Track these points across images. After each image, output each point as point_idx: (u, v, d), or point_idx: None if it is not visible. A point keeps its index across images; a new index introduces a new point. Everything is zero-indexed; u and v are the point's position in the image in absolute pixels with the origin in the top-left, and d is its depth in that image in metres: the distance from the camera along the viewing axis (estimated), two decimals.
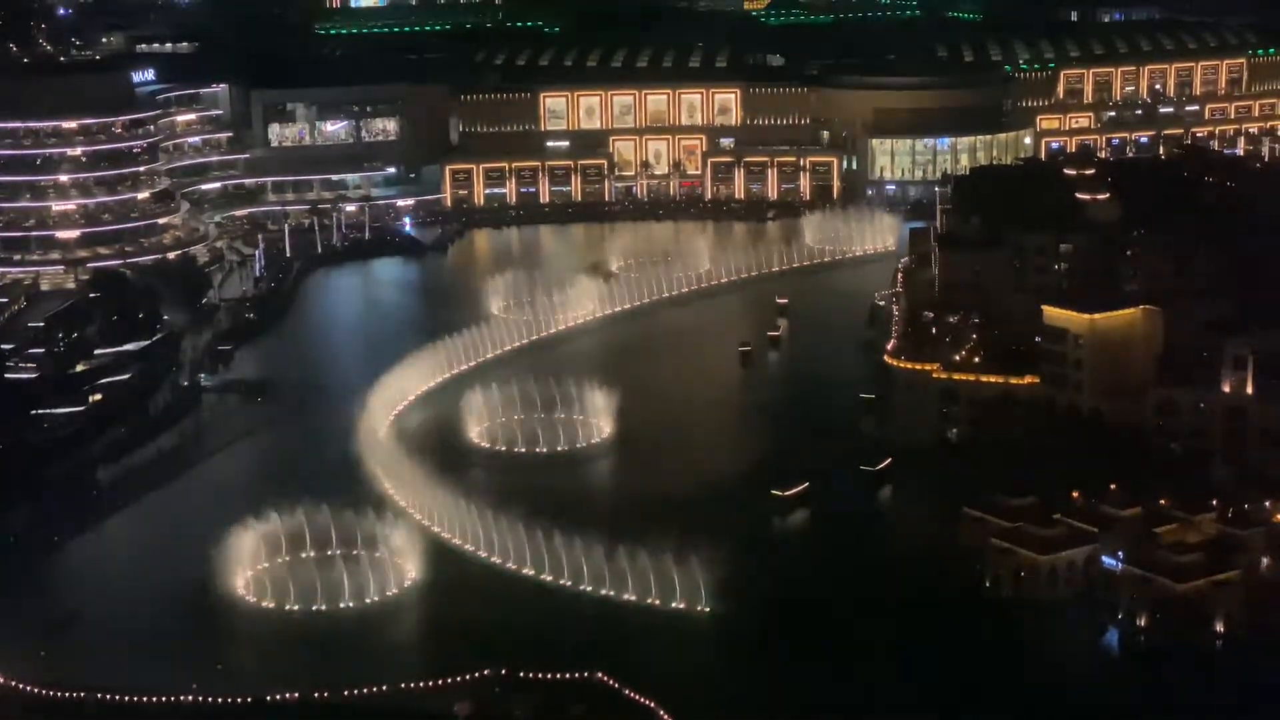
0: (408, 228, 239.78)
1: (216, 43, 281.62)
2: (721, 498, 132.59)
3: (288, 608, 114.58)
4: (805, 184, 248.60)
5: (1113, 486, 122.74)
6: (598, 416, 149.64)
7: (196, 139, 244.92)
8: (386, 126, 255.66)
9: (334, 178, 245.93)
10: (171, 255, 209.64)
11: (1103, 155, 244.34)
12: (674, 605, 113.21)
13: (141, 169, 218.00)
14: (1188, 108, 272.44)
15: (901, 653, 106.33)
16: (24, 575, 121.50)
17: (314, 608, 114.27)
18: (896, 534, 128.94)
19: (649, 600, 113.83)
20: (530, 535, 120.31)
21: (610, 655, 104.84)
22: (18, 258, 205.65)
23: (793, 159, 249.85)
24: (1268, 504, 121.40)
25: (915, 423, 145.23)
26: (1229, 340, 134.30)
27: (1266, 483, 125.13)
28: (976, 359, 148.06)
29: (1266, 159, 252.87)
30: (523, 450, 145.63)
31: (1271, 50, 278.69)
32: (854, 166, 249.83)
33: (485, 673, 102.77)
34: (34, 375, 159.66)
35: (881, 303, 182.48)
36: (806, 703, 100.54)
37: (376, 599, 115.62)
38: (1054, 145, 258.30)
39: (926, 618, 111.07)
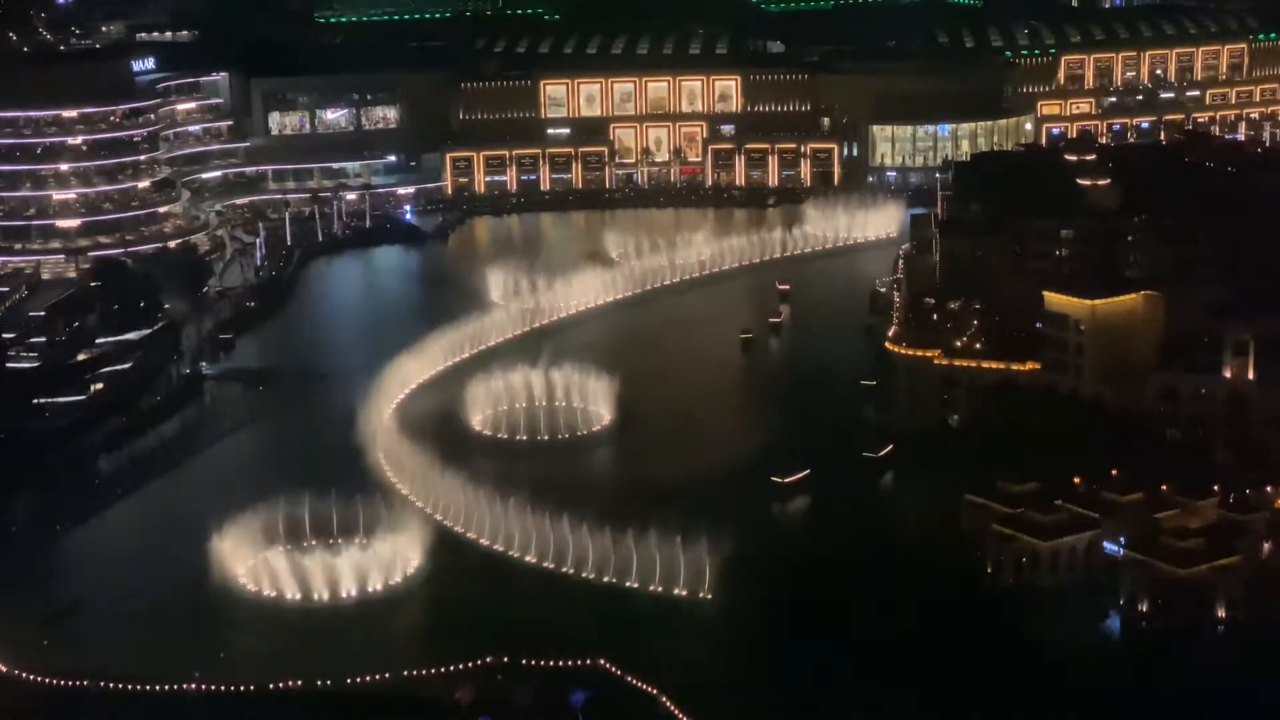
0: (408, 215, 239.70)
1: (216, 31, 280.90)
2: (723, 484, 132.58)
3: (290, 596, 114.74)
4: (806, 171, 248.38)
5: (1114, 472, 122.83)
6: (599, 403, 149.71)
7: (197, 127, 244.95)
8: (387, 114, 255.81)
9: (334, 166, 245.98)
10: (172, 244, 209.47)
11: (1103, 141, 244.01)
12: (676, 592, 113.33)
13: (142, 158, 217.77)
14: (1189, 93, 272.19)
15: (903, 638, 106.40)
16: (25, 564, 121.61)
17: (316, 596, 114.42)
18: (898, 520, 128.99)
19: (651, 587, 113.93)
20: (532, 522, 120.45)
21: (612, 642, 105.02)
22: (19, 246, 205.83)
23: (793, 146, 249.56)
24: (1269, 489, 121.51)
25: (916, 409, 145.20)
26: (1230, 325, 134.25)
27: (1268, 468, 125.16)
28: (978, 345, 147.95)
29: (1268, 144, 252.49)
30: (524, 437, 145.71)
31: (1273, 35, 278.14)
32: (855, 153, 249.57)
33: (487, 660, 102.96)
34: (35, 364, 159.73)
35: (882, 289, 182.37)
36: (808, 688, 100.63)
37: (379, 587, 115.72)
38: (1055, 131, 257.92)
39: (928, 604, 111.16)
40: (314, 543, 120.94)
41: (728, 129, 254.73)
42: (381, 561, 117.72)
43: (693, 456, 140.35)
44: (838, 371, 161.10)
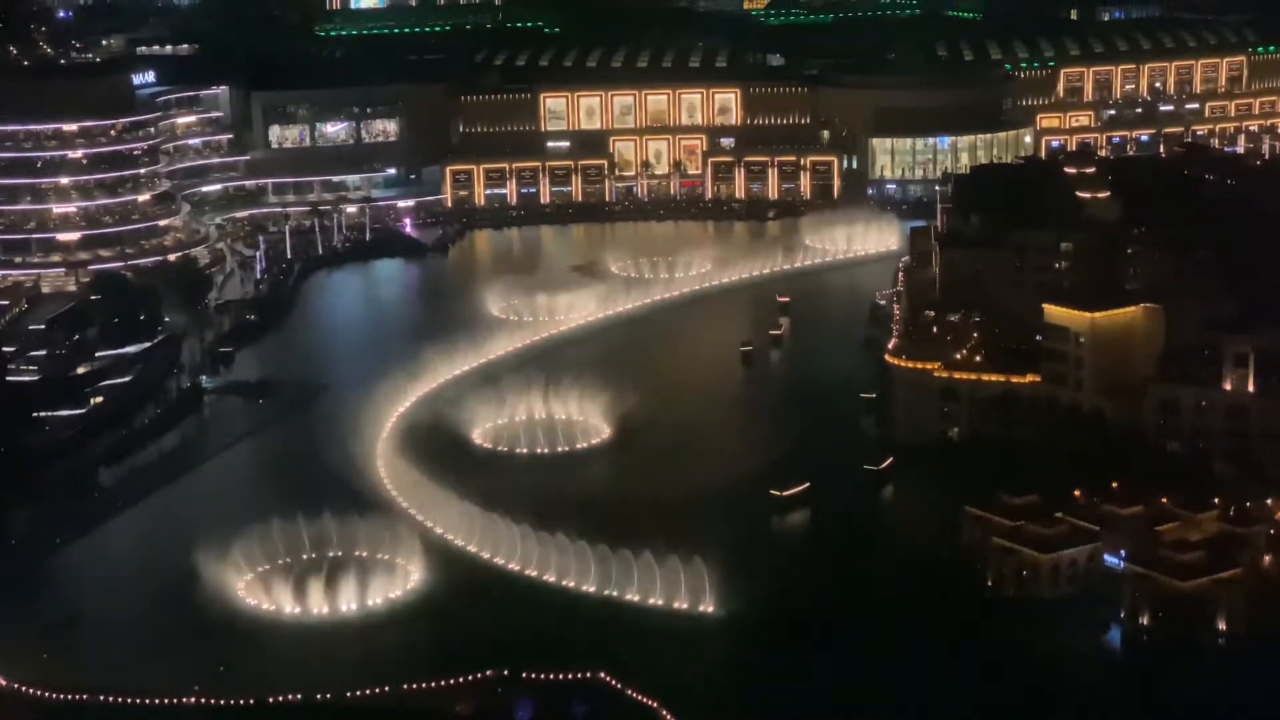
0: (408, 228, 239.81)
1: (216, 45, 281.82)
2: (724, 498, 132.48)
3: (290, 610, 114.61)
4: (806, 184, 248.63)
5: (1114, 485, 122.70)
6: (599, 417, 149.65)
7: (197, 141, 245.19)
8: (387, 127, 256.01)
9: (334, 179, 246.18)
10: (172, 257, 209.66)
11: (1103, 153, 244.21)
12: (676, 606, 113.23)
13: (142, 171, 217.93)
14: (1188, 106, 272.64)
15: (903, 652, 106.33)
16: (25, 577, 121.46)
17: (316, 610, 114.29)
18: (898, 533, 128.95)
19: (651, 601, 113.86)
20: (532, 536, 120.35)
21: (613, 656, 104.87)
22: (19, 260, 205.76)
23: (793, 158, 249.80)
24: (1269, 501, 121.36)
25: (916, 422, 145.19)
26: (1230, 338, 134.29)
27: (1268, 480, 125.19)
28: (977, 358, 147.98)
29: (1267, 157, 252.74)
30: (524, 451, 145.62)
31: (1271, 48, 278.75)
32: (854, 166, 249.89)
33: (488, 673, 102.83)
34: (35, 378, 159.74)
35: (882, 302, 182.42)
36: (807, 702, 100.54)
37: (379, 600, 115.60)
38: (1054, 143, 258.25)
39: (928, 617, 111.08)
40: (313, 556, 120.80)
41: (727, 142, 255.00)
42: (381, 575, 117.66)
43: (693, 469, 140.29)
44: (838, 384, 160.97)
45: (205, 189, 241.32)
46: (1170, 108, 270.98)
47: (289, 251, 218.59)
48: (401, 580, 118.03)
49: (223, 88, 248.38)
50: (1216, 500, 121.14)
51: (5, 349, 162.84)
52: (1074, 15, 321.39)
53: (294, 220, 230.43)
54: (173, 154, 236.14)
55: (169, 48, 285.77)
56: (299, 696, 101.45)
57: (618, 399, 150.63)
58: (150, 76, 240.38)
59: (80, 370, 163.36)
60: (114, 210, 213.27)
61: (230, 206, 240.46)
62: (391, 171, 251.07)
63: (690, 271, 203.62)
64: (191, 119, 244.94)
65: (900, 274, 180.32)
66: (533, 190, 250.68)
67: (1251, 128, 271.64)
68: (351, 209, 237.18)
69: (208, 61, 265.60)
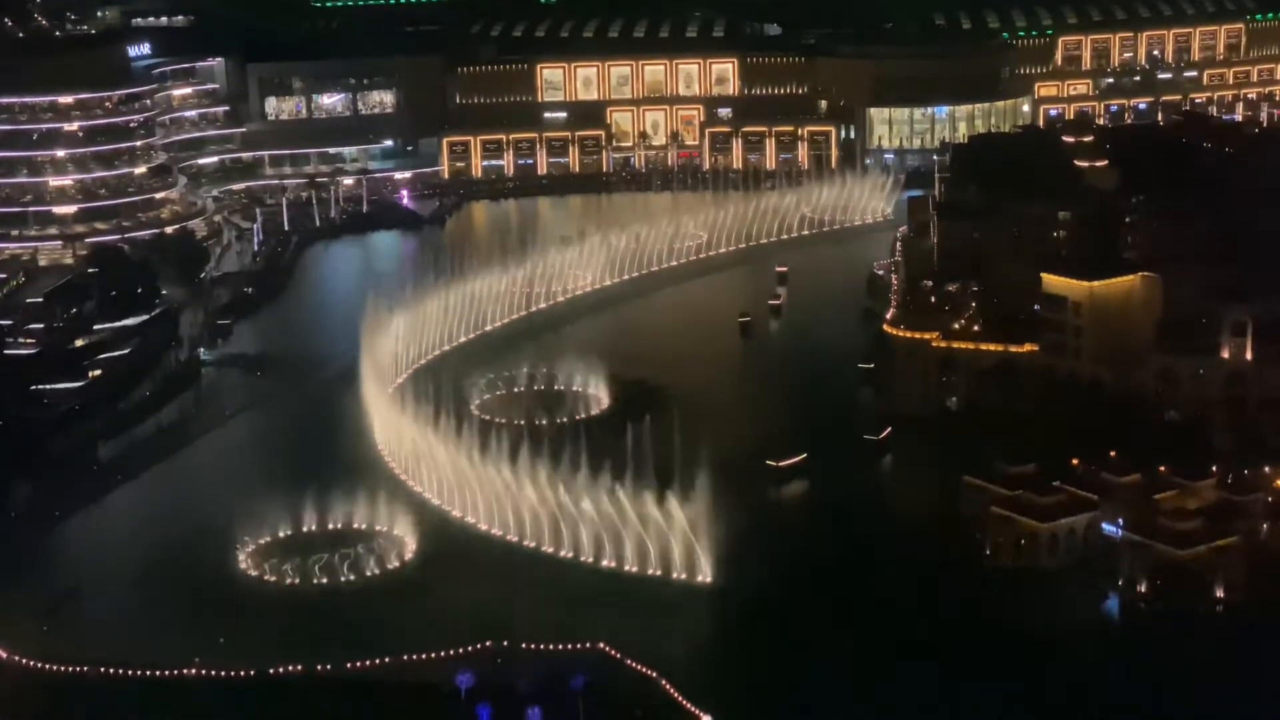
0: (405, 200, 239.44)
1: (212, 16, 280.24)
2: (722, 469, 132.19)
3: (289, 581, 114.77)
4: (803, 154, 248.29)
5: (1113, 454, 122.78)
6: (597, 387, 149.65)
7: (193, 113, 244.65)
8: (383, 99, 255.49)
9: (331, 151, 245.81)
10: (169, 230, 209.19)
11: (1101, 122, 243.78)
12: (675, 575, 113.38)
13: (138, 144, 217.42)
14: (1186, 74, 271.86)
15: (901, 621, 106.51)
16: (24, 551, 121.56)
17: (315, 581, 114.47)
18: (896, 503, 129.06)
19: (650, 571, 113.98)
20: (531, 506, 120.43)
21: (612, 626, 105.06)
22: (15, 233, 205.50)
23: (791, 129, 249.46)
24: (1267, 470, 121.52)
25: (915, 392, 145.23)
26: (1228, 307, 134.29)
27: (1266, 449, 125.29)
28: (976, 327, 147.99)
29: (1265, 124, 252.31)
30: (522, 421, 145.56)
31: (1270, 15, 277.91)
32: (852, 136, 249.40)
33: (487, 644, 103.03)
34: (33, 351, 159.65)
35: (880, 272, 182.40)
36: (806, 670, 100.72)
37: (378, 572, 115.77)
38: (1052, 112, 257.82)
39: (926, 586, 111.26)
40: (313, 527, 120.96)
41: (725, 112, 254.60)
42: (380, 546, 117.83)
43: (691, 439, 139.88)
44: (836, 354, 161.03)
45: (201, 161, 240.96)
46: (1168, 76, 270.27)
47: (286, 224, 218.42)
48: (400, 551, 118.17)
49: (219, 60, 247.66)
50: (1214, 469, 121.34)
51: (3, 322, 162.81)
52: None
53: (291, 192, 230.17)
54: (169, 126, 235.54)
55: (164, 19, 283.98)
56: (299, 668, 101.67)
57: (616, 370, 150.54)
58: (146, 48, 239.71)
59: (78, 343, 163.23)
60: (110, 183, 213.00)
61: (227, 179, 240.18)
62: (388, 143, 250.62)
63: (688, 242, 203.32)
64: (187, 91, 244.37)
65: (898, 244, 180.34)
66: (530, 161, 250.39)
67: (1250, 95, 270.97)
68: (348, 181, 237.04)
69: (203, 33, 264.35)
